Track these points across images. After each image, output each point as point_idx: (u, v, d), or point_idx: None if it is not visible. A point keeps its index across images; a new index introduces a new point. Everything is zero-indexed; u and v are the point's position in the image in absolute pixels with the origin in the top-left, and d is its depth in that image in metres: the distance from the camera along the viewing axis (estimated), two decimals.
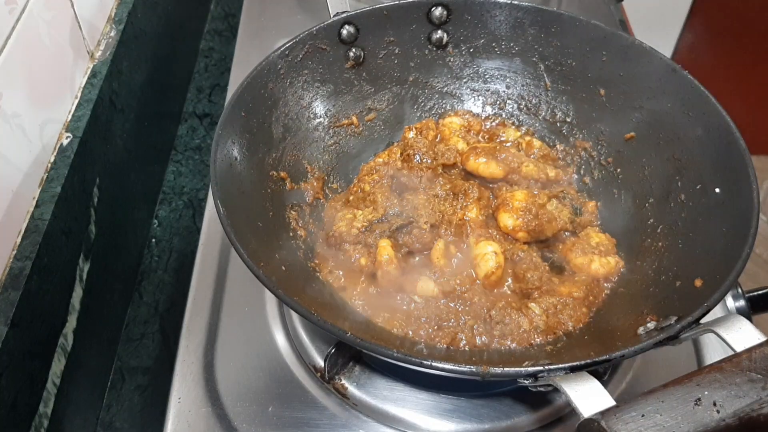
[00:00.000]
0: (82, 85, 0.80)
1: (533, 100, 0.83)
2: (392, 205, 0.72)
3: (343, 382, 0.67)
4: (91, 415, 0.76)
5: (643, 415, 0.39)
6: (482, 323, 0.63)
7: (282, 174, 0.72)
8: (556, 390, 0.46)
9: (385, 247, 0.68)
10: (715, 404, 0.39)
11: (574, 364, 0.46)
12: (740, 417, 0.39)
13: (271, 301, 0.75)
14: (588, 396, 0.44)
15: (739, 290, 0.75)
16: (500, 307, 0.63)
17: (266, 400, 0.67)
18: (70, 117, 0.77)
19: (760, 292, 0.75)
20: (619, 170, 0.76)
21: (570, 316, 0.64)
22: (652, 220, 0.69)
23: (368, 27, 0.78)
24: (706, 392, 0.40)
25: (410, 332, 0.63)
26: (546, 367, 0.46)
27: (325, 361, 0.67)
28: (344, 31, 0.77)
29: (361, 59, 0.80)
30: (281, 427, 0.65)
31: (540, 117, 0.83)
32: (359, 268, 0.68)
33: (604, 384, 0.66)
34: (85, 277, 0.74)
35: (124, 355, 0.82)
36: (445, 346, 0.62)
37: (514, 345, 0.62)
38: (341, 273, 0.69)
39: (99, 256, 0.77)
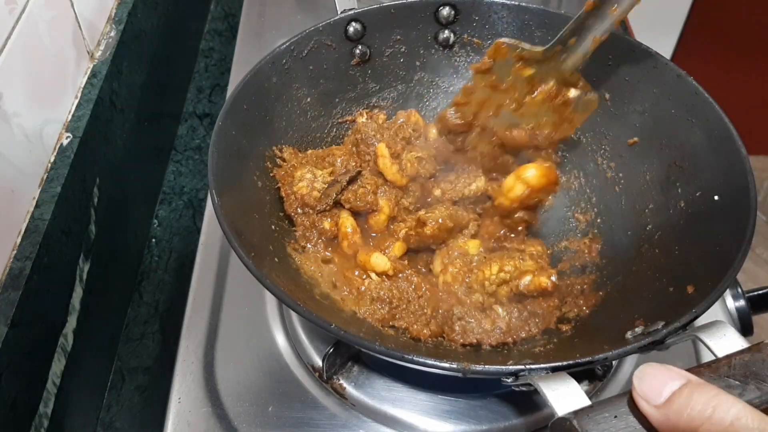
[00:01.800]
0: (82, 85, 0.80)
1: None
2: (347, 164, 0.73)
3: (342, 382, 0.67)
4: (91, 415, 0.76)
5: (615, 416, 0.39)
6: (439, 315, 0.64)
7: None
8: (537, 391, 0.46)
9: (347, 218, 0.69)
10: None
11: (556, 364, 0.47)
12: None
13: (271, 301, 0.75)
14: (564, 396, 0.44)
15: (739, 290, 0.75)
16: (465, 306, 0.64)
17: (266, 400, 0.67)
18: (70, 117, 0.77)
19: (760, 292, 0.75)
20: (621, 175, 0.76)
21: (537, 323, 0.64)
22: (650, 226, 0.69)
23: (375, 25, 0.78)
24: None
25: (403, 326, 0.63)
26: (527, 367, 0.47)
27: (323, 361, 0.67)
28: (351, 28, 0.78)
29: (367, 57, 0.80)
30: (281, 427, 0.65)
31: None
32: (325, 233, 0.69)
33: (603, 386, 0.67)
34: (85, 277, 0.74)
35: (124, 355, 0.82)
36: (431, 341, 0.63)
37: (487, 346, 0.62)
38: (316, 247, 0.69)
39: (99, 256, 0.77)
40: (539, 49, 0.70)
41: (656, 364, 0.39)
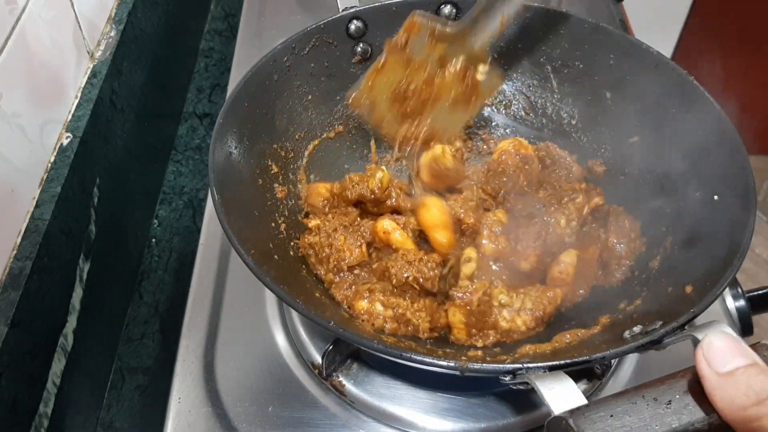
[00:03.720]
0: (82, 85, 0.80)
1: (539, 102, 0.83)
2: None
3: (341, 379, 0.67)
4: (91, 415, 0.76)
5: (612, 416, 0.39)
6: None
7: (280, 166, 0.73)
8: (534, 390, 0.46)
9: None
10: (686, 407, 0.40)
11: (553, 363, 0.47)
12: (709, 422, 0.39)
13: (271, 301, 0.75)
14: (561, 394, 0.44)
15: (739, 290, 0.75)
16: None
17: (266, 400, 0.67)
18: (70, 117, 0.77)
19: (760, 292, 0.75)
20: (621, 175, 0.76)
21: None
22: (651, 226, 0.69)
23: (377, 23, 0.79)
24: (677, 395, 0.40)
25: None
26: (525, 365, 0.47)
27: (322, 358, 0.67)
28: (352, 26, 0.78)
29: (369, 54, 0.81)
30: (281, 427, 0.65)
31: (545, 118, 0.83)
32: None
33: (602, 385, 0.67)
34: (85, 277, 0.74)
35: (124, 355, 0.82)
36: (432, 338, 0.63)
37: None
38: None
39: (99, 256, 0.77)
40: (450, 28, 0.70)
41: (731, 334, 0.40)
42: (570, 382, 0.45)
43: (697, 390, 0.40)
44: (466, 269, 0.68)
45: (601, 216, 0.72)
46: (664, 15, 1.95)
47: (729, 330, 0.46)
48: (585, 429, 0.39)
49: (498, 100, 0.85)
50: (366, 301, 0.63)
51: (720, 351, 0.38)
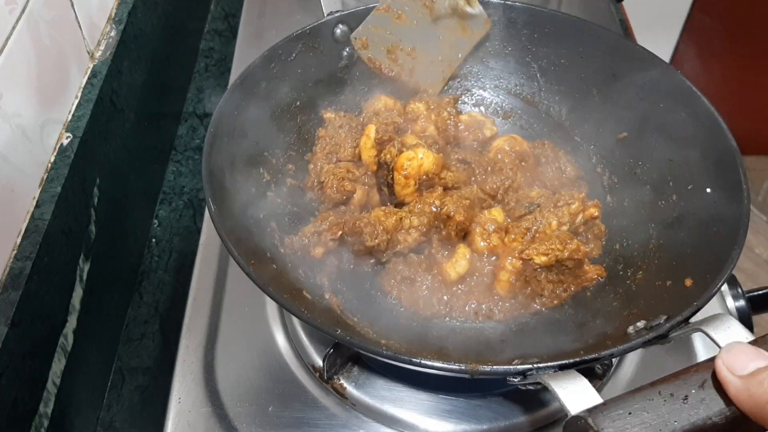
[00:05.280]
0: (82, 85, 0.80)
1: (527, 99, 0.83)
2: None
3: (342, 382, 0.67)
4: (91, 415, 0.76)
5: (630, 413, 0.39)
6: None
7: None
8: (546, 389, 0.46)
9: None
10: (702, 402, 0.40)
11: (563, 362, 0.47)
12: (726, 415, 0.39)
13: (270, 301, 0.75)
14: (576, 394, 0.44)
15: (739, 290, 0.75)
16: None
17: (266, 400, 0.67)
18: (70, 117, 0.77)
19: (760, 292, 0.75)
20: (609, 170, 0.76)
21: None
22: (644, 221, 0.69)
23: None
24: (693, 390, 0.40)
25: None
26: (535, 366, 0.47)
27: (323, 361, 0.67)
28: (338, 31, 0.78)
29: (355, 59, 0.80)
30: (281, 427, 0.65)
31: (532, 117, 0.83)
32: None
33: (604, 383, 0.67)
34: (85, 277, 0.74)
35: (124, 355, 0.82)
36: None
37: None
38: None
39: (99, 256, 0.77)
40: None
41: (746, 342, 0.41)
42: (584, 380, 0.45)
43: (713, 384, 0.40)
44: (459, 268, 0.68)
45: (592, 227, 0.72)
46: (664, 15, 1.95)
47: (736, 323, 0.47)
48: (605, 428, 0.39)
49: (486, 100, 0.85)
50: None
51: (738, 356, 0.39)
